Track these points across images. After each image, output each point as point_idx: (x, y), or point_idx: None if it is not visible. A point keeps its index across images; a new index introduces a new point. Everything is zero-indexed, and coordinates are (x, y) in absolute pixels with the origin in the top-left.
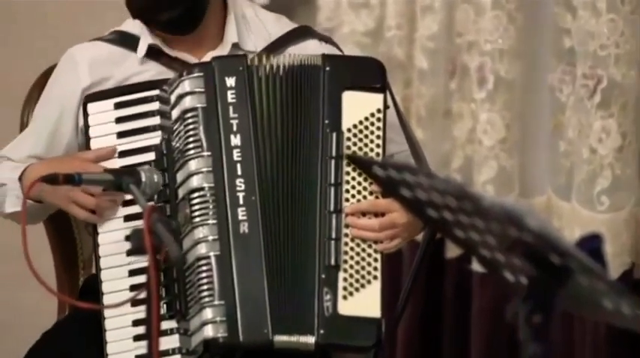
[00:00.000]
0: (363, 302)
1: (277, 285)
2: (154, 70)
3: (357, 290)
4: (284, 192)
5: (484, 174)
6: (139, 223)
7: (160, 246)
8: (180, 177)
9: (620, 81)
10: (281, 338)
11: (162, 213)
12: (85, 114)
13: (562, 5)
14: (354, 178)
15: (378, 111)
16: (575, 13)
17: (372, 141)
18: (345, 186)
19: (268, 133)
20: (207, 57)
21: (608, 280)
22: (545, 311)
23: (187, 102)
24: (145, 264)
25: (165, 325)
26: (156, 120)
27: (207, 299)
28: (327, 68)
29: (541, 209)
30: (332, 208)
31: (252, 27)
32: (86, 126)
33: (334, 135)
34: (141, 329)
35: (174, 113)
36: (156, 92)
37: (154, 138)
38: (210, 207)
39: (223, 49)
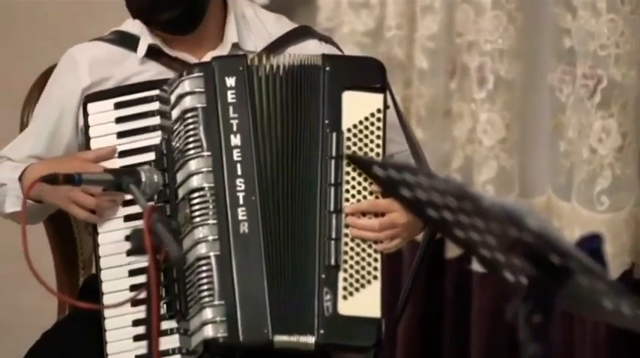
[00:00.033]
0: (363, 302)
1: (277, 285)
2: (154, 70)
3: (357, 290)
4: (284, 192)
5: (484, 174)
6: (139, 223)
7: (160, 246)
8: (180, 177)
9: (620, 81)
10: (281, 338)
11: (162, 213)
12: (85, 114)
13: (562, 5)
14: (354, 178)
15: (378, 111)
16: (575, 13)
17: (372, 142)
18: (345, 186)
19: (268, 133)
20: (208, 57)
21: (608, 280)
22: (545, 311)
23: (187, 102)
24: (145, 264)
25: (166, 325)
26: (156, 120)
27: (207, 299)
28: (327, 68)
29: (541, 209)
30: (332, 208)
31: (252, 27)
32: (86, 126)
33: (334, 135)
34: (141, 329)
35: (175, 113)
36: (156, 92)
37: (154, 138)
38: (210, 207)
39: (223, 49)
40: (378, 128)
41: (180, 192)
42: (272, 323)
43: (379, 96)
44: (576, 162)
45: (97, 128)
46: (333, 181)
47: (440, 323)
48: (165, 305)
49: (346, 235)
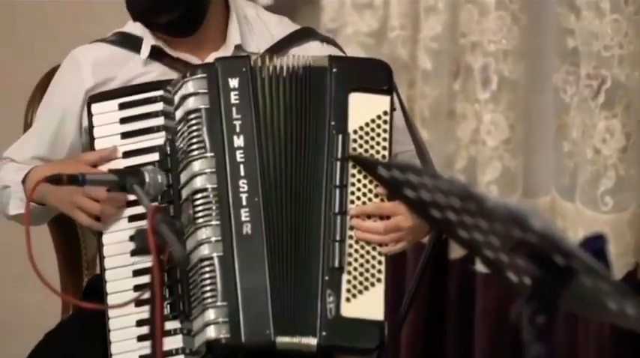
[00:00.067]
0: (367, 304)
1: (280, 286)
2: (158, 71)
3: (360, 292)
4: (288, 193)
5: (488, 175)
6: (143, 223)
7: (164, 246)
8: (183, 177)
9: (624, 81)
10: (283, 340)
11: (166, 213)
12: (90, 115)
13: (565, 5)
14: (359, 180)
15: (385, 113)
16: (578, 14)
17: (378, 144)
18: (351, 188)
19: (272, 134)
20: (210, 58)
21: (612, 281)
22: (549, 311)
23: (191, 103)
24: (148, 265)
25: (169, 325)
26: (160, 121)
27: (209, 300)
28: (334, 70)
29: (545, 209)
30: (337, 210)
31: (255, 28)
32: (90, 127)
33: (340, 137)
34: (145, 330)
35: (178, 114)
36: (160, 93)
37: (158, 139)
38: (214, 208)
39: (226, 51)
40: (385, 130)
41: (184, 193)
42: (274, 324)
43: (386, 98)
44: (580, 162)
45: (101, 128)
46: (338, 183)
47: (444, 323)
48: (168, 306)
49: (350, 237)
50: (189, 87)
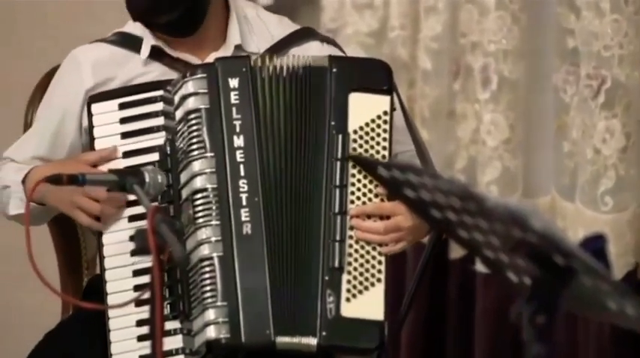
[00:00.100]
0: (366, 304)
1: (280, 286)
2: (158, 71)
3: (360, 292)
4: (288, 193)
5: (488, 175)
6: (143, 223)
7: (164, 246)
8: (183, 177)
9: (624, 81)
10: (283, 340)
11: (166, 213)
12: (90, 115)
13: (565, 5)
14: (359, 180)
15: (385, 113)
16: (578, 14)
17: (378, 144)
18: (351, 188)
19: (272, 134)
20: (211, 58)
21: (612, 281)
22: (549, 311)
23: (191, 103)
24: (148, 265)
25: (169, 325)
26: (160, 121)
27: (209, 300)
28: (334, 69)
29: (545, 209)
30: (337, 210)
31: (255, 28)
32: (90, 127)
33: (340, 137)
34: (145, 330)
35: (178, 114)
36: (160, 93)
37: (158, 139)
38: (214, 208)
39: (226, 51)
40: (385, 130)
41: (184, 193)
42: (274, 324)
43: (386, 99)
44: (580, 162)
45: (101, 128)
46: (338, 183)
47: (443, 323)
48: (168, 306)
49: (350, 237)
50: (189, 87)
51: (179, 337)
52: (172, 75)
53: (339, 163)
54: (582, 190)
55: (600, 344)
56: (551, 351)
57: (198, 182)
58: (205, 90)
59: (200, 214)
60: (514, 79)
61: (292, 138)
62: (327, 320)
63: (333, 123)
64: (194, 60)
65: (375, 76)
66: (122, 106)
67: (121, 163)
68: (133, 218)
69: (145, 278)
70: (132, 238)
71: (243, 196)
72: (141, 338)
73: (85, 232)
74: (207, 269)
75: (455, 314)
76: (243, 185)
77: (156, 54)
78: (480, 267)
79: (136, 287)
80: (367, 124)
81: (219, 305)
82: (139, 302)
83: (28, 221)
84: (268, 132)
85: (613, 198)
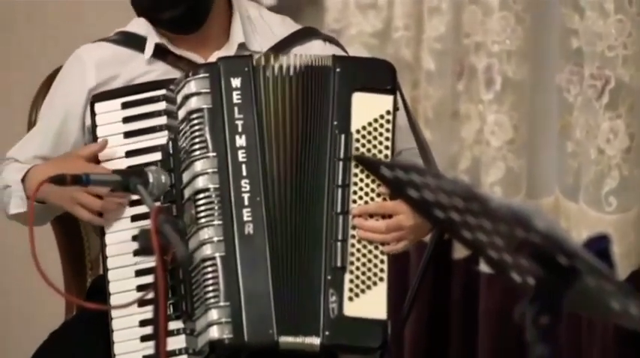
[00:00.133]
0: (369, 303)
1: (282, 286)
2: (161, 70)
3: (362, 291)
4: (290, 192)
5: (492, 175)
6: (146, 223)
7: (167, 246)
8: (186, 177)
9: (628, 82)
10: (286, 339)
11: (169, 213)
12: (93, 114)
13: (569, 6)
14: (361, 180)
15: (388, 113)
16: (582, 14)
17: (380, 143)
18: (353, 188)
19: (274, 134)
20: (214, 57)
21: (616, 281)
22: (552, 312)
23: (193, 102)
24: (151, 265)
25: (172, 325)
26: (162, 120)
27: (212, 300)
28: (338, 69)
29: (549, 210)
30: (339, 209)
31: (258, 28)
32: (93, 126)
33: (343, 136)
34: (148, 330)
35: (181, 113)
36: (162, 92)
37: (161, 138)
38: (216, 208)
39: (230, 49)
40: (387, 130)
41: (186, 193)
42: (277, 324)
43: (389, 98)
44: (584, 162)
45: (104, 128)
46: (340, 183)
47: (447, 324)
48: (171, 306)
49: (353, 237)
50: (192, 86)
51: (182, 337)
52: (175, 74)
53: (341, 163)
54: (586, 190)
55: (604, 345)
56: (554, 352)
57: (201, 182)
58: (208, 90)
59: (202, 214)
60: (518, 79)
61: (295, 137)
62: (329, 320)
63: (335, 122)
64: (197, 58)
65: (378, 75)
66: (125, 105)
67: (124, 162)
68: (135, 218)
69: (147, 279)
70: (135, 238)
71: (246, 196)
72: (144, 339)
73: (89, 232)
74: (210, 269)
75: (458, 314)
76: (245, 185)
77: (159, 53)
78: (483, 267)
79: (139, 288)
80: (370, 124)
81: (221, 306)
82: (142, 303)
83: (32, 220)
84: (271, 131)
85: (617, 198)
